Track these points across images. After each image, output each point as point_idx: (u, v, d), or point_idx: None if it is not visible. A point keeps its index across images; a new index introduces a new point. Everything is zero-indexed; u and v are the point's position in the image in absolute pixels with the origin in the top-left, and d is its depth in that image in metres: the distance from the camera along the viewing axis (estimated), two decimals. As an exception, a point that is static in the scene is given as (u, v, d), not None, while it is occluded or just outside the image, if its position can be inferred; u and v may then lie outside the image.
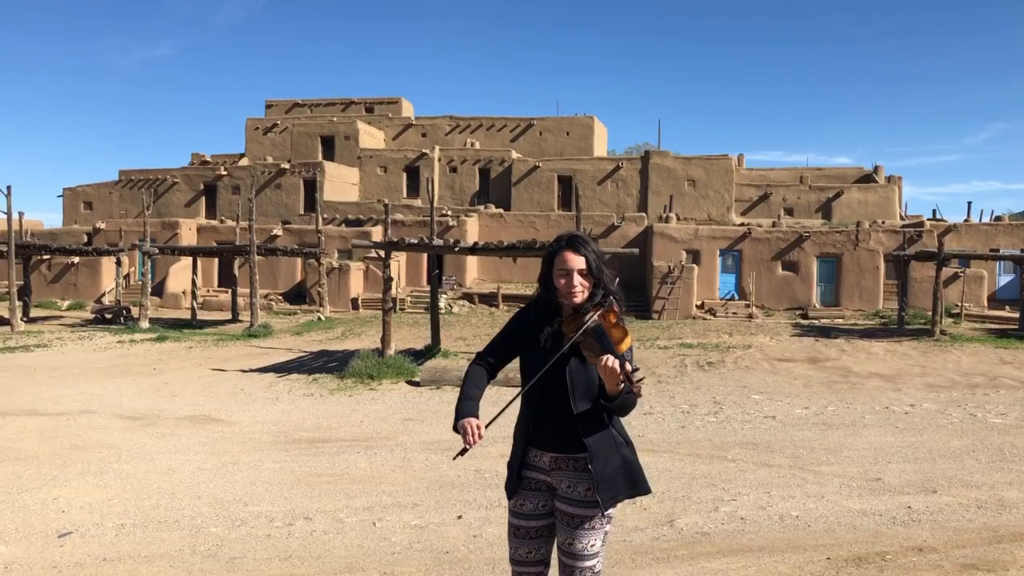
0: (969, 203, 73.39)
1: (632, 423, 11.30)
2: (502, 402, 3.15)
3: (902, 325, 26.53)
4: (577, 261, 3.09)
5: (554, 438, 3.11)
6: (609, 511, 3.10)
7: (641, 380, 2.91)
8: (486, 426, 3.05)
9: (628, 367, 2.86)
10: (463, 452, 3.08)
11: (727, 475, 7.99)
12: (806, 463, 8.55)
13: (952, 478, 7.82)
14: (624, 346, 2.93)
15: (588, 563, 3.08)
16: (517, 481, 3.20)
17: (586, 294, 3.11)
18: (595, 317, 2.97)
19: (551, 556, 3.24)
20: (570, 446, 3.08)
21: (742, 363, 18.67)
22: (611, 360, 2.85)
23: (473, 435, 3.01)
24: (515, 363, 3.32)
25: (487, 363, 3.30)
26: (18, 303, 26.94)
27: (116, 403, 13.00)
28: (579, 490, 3.07)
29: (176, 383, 15.54)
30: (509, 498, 3.24)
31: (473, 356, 3.38)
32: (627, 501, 3.40)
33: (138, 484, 7.68)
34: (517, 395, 3.09)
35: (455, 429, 3.06)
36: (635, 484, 3.14)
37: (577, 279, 3.09)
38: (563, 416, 3.06)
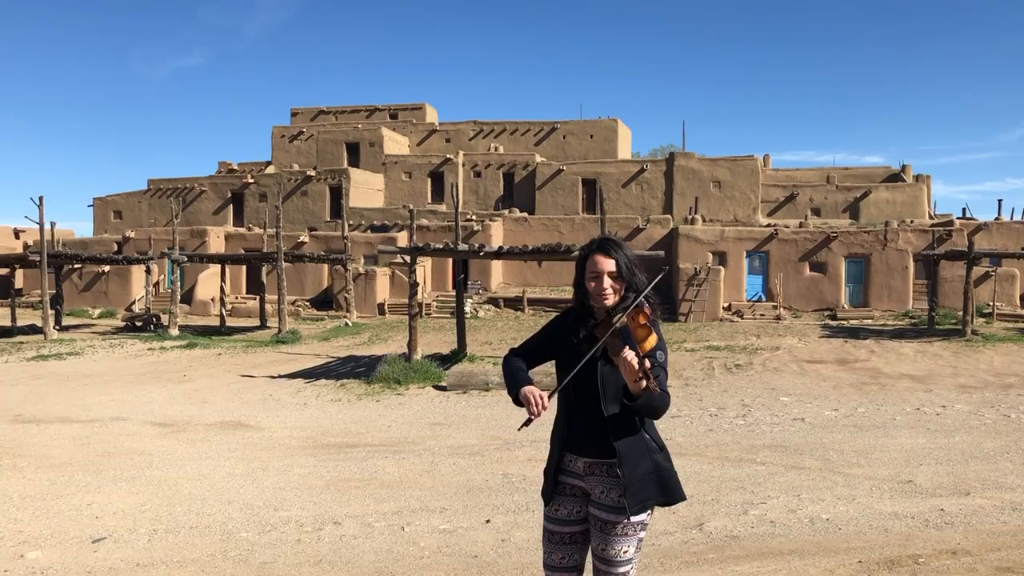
0: (1000, 201, 72.17)
1: (660, 425, 11.24)
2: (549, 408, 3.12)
3: (932, 325, 26.21)
4: (607, 264, 3.08)
5: (587, 443, 3.10)
6: (643, 517, 3.07)
7: (658, 376, 2.86)
8: (549, 396, 3.01)
9: (646, 362, 2.82)
10: (528, 423, 2.98)
11: (756, 478, 7.93)
12: (836, 465, 8.47)
13: (985, 480, 7.72)
14: (648, 344, 2.89)
15: (621, 569, 3.08)
16: (553, 486, 3.20)
17: (617, 297, 3.09)
18: (624, 319, 2.93)
19: (584, 563, 3.23)
20: (603, 451, 3.07)
21: (770, 365, 18.53)
22: (629, 354, 2.81)
23: (538, 404, 2.95)
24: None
25: (521, 359, 3.27)
26: (50, 311, 27.37)
27: (147, 410, 13.15)
28: (612, 496, 3.06)
29: (206, 390, 15.70)
30: (546, 504, 3.24)
31: (500, 359, 3.35)
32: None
33: (170, 490, 7.77)
34: (567, 379, 3.02)
35: (516, 399, 3.02)
36: (667, 491, 3.11)
37: (607, 281, 3.07)
38: (596, 420, 3.06)
